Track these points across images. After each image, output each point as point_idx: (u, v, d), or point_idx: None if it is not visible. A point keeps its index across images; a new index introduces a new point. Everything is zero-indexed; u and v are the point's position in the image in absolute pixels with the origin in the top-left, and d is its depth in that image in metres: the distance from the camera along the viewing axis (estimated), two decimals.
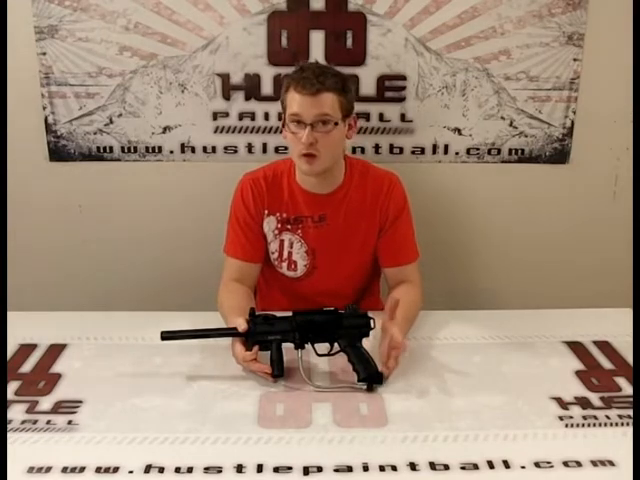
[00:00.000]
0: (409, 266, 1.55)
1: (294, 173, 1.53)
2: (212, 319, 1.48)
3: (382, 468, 0.97)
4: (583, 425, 1.08)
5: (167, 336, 1.24)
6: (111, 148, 1.89)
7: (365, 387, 1.19)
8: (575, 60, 1.83)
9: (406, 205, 1.55)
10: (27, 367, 1.26)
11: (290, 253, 1.55)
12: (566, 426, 1.08)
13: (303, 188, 1.51)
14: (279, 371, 1.20)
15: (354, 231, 1.53)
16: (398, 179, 1.56)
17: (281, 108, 1.46)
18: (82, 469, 0.96)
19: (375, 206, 1.52)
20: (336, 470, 0.96)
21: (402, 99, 1.86)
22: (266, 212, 1.53)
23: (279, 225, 1.53)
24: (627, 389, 1.19)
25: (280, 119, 1.82)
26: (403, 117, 1.88)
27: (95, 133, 1.87)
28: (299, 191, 1.52)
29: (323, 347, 1.26)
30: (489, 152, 1.93)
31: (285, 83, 1.43)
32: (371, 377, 1.20)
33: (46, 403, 1.13)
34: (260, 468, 0.96)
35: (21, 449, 1.01)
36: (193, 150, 1.90)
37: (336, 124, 1.38)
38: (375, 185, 1.53)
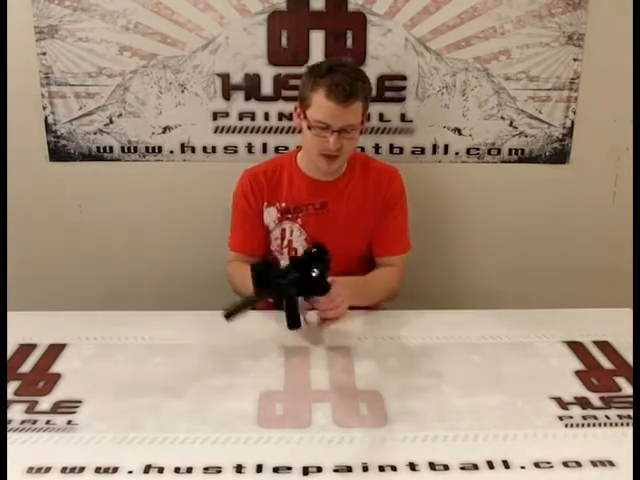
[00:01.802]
0: (396, 257, 1.59)
1: (296, 162, 1.57)
2: (212, 319, 1.47)
3: (382, 468, 0.96)
4: (583, 425, 1.08)
5: (230, 314, 1.24)
6: (111, 148, 1.89)
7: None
8: (575, 60, 1.83)
9: (403, 197, 1.59)
10: (27, 367, 1.26)
11: (290, 241, 1.58)
12: (566, 426, 1.08)
13: (307, 175, 1.55)
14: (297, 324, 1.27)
15: (355, 220, 1.56)
16: (399, 172, 1.61)
17: (300, 99, 1.45)
18: (82, 469, 0.96)
19: (376, 196, 1.56)
20: (336, 470, 0.96)
21: (402, 99, 1.86)
22: (265, 203, 1.56)
23: (279, 215, 1.57)
24: (627, 389, 1.19)
25: (280, 119, 1.83)
26: (403, 117, 1.88)
27: (95, 133, 1.87)
28: (302, 178, 1.55)
29: None
30: (489, 152, 1.93)
31: (312, 80, 1.40)
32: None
33: (45, 403, 1.13)
34: (260, 468, 0.96)
35: (21, 449, 1.01)
36: (193, 150, 1.90)
37: (360, 132, 1.45)
38: (377, 176, 1.57)
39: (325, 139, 1.40)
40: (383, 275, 1.56)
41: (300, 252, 1.58)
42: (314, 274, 1.26)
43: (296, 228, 1.57)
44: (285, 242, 1.59)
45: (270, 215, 1.57)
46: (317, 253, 1.28)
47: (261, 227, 1.57)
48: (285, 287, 1.25)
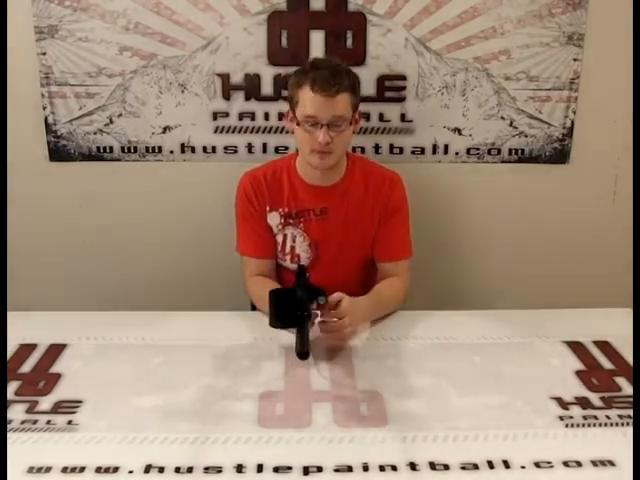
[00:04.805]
0: (400, 262, 1.57)
1: (294, 167, 1.55)
2: (212, 319, 1.48)
3: (382, 468, 0.97)
4: (583, 425, 1.08)
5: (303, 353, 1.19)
6: (111, 148, 1.88)
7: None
8: (575, 60, 1.83)
9: (405, 204, 1.58)
10: (27, 367, 1.26)
11: (293, 247, 1.57)
12: (566, 426, 1.08)
13: (305, 181, 1.54)
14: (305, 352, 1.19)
15: (355, 224, 1.55)
16: (400, 178, 1.59)
17: (289, 100, 1.47)
18: (82, 469, 0.96)
19: (376, 202, 1.55)
20: (336, 470, 0.96)
21: (402, 99, 1.86)
22: (268, 208, 1.55)
23: (282, 220, 1.56)
24: (627, 389, 1.19)
25: (280, 119, 1.83)
26: (403, 117, 1.88)
27: (95, 133, 1.87)
28: (301, 184, 1.54)
29: None
30: (489, 152, 1.93)
31: (297, 78, 1.42)
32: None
33: (46, 403, 1.13)
34: (260, 468, 0.96)
35: (21, 449, 1.01)
36: (193, 150, 1.90)
37: (350, 123, 1.43)
38: (377, 181, 1.56)
39: (315, 135, 1.40)
40: (394, 288, 1.53)
41: (303, 258, 1.57)
42: (321, 302, 1.26)
43: (299, 234, 1.55)
44: (287, 248, 1.57)
45: (273, 221, 1.56)
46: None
47: (267, 228, 1.56)
48: (302, 320, 1.20)
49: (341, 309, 1.30)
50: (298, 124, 1.42)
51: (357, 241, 1.57)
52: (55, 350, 1.32)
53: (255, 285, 1.53)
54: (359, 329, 1.39)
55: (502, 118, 1.89)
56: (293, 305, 1.20)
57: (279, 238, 1.57)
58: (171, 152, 1.90)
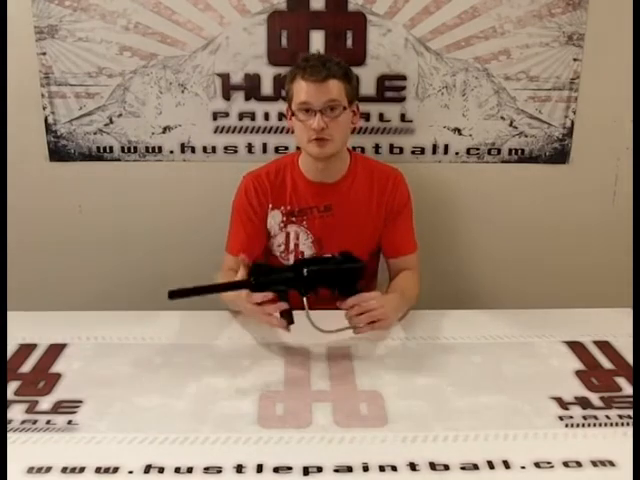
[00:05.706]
0: (411, 256, 1.61)
1: (297, 165, 1.56)
2: (212, 319, 1.48)
3: (382, 468, 0.96)
4: (583, 425, 1.08)
5: (175, 294, 1.18)
6: (111, 148, 1.89)
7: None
8: (575, 60, 1.83)
9: (409, 199, 1.61)
10: (27, 367, 1.26)
11: (297, 245, 1.58)
12: (566, 426, 1.08)
13: (308, 179, 1.54)
14: (290, 320, 1.24)
15: (359, 221, 1.56)
16: (402, 175, 1.61)
17: (286, 98, 1.50)
18: (82, 469, 0.96)
19: (381, 199, 1.56)
20: (336, 470, 0.96)
21: (402, 99, 1.86)
22: (270, 206, 1.55)
23: (284, 218, 1.56)
24: (627, 389, 1.19)
25: (280, 119, 1.84)
26: (403, 117, 1.88)
27: (95, 133, 1.87)
28: (304, 182, 1.55)
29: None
30: (489, 152, 1.93)
31: (290, 74, 1.46)
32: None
33: (46, 403, 1.13)
34: (260, 468, 0.96)
35: (21, 449, 1.01)
36: (193, 150, 1.90)
37: (344, 108, 1.44)
38: (381, 179, 1.58)
39: (310, 122, 1.42)
40: (411, 280, 1.55)
41: (307, 255, 1.58)
42: (304, 273, 1.24)
43: (302, 231, 1.56)
44: (291, 246, 1.57)
45: (275, 219, 1.56)
46: (328, 257, 1.30)
47: (263, 231, 1.56)
48: (276, 283, 1.23)
49: (375, 300, 1.28)
50: (295, 115, 1.45)
51: (361, 237, 1.58)
52: (55, 350, 1.32)
53: (225, 276, 1.46)
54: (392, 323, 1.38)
55: (502, 118, 1.89)
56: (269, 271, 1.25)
57: (282, 237, 1.57)
58: (171, 152, 1.90)
